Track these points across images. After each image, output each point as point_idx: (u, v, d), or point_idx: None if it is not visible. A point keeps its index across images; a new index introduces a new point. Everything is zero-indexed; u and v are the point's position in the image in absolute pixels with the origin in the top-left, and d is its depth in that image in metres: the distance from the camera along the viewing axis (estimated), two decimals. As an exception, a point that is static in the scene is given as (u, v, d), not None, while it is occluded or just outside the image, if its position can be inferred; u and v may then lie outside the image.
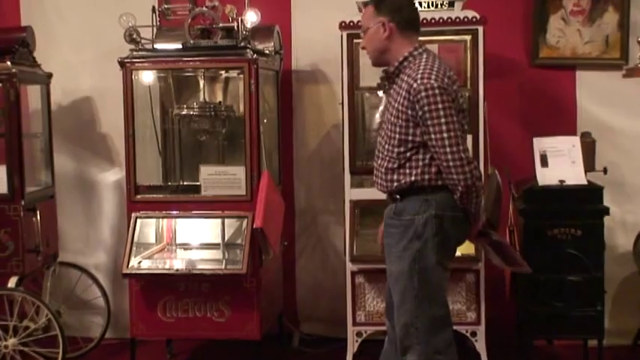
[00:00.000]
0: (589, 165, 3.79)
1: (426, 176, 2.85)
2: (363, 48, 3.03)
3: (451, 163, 2.77)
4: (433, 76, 2.78)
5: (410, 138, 2.84)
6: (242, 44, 3.76)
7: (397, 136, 2.86)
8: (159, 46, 3.92)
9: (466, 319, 3.76)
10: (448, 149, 2.76)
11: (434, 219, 2.84)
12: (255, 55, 3.73)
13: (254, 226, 3.61)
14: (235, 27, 3.79)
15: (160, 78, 4.12)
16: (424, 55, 2.90)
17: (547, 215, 3.68)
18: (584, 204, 3.68)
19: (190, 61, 3.82)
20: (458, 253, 3.57)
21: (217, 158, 4.12)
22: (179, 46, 3.83)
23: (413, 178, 2.85)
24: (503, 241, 3.22)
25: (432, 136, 2.78)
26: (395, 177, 2.89)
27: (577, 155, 3.75)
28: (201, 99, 3.99)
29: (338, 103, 3.92)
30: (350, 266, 3.78)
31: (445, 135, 2.76)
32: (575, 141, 3.80)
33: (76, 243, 4.52)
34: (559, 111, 4.21)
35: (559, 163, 3.74)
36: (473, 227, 2.96)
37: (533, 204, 3.71)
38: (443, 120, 2.76)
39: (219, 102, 4.07)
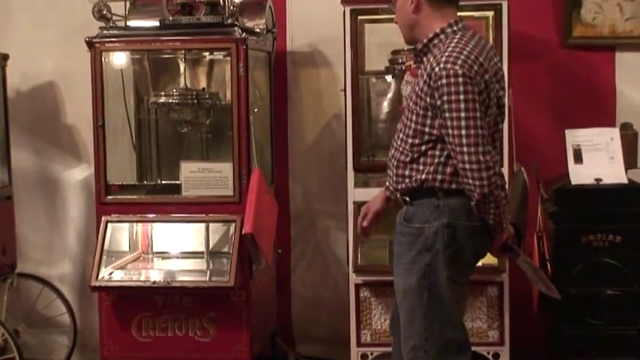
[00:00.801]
0: (630, 161, 3.80)
1: (439, 176, 2.83)
2: (396, 22, 2.99)
3: (467, 166, 2.73)
4: (460, 61, 2.72)
5: (427, 130, 2.82)
6: (229, 21, 3.76)
7: (413, 125, 2.84)
8: (133, 23, 3.92)
9: (487, 338, 3.78)
10: (465, 149, 2.72)
11: (446, 229, 2.82)
12: (244, 33, 3.73)
13: (243, 232, 3.62)
14: (221, 1, 3.79)
15: (134, 60, 4.12)
16: (458, 34, 2.84)
17: (581, 219, 3.69)
18: (624, 206, 3.69)
19: (169, 40, 3.82)
20: (478, 263, 3.60)
21: (200, 153, 4.13)
22: (156, 23, 3.83)
23: (424, 177, 2.83)
24: (530, 260, 3.21)
25: (450, 131, 2.74)
26: (406, 172, 2.87)
27: (616, 150, 3.75)
28: (182, 85, 3.99)
29: (340, 89, 3.92)
30: (353, 278, 3.79)
31: (464, 132, 2.72)
32: (613, 133, 3.81)
33: (37, 251, 4.53)
34: (595, 98, 4.22)
35: (595, 158, 3.75)
36: (495, 240, 2.93)
37: (565, 206, 3.72)
38: (463, 114, 2.71)
39: (203, 88, 4.07)
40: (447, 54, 2.76)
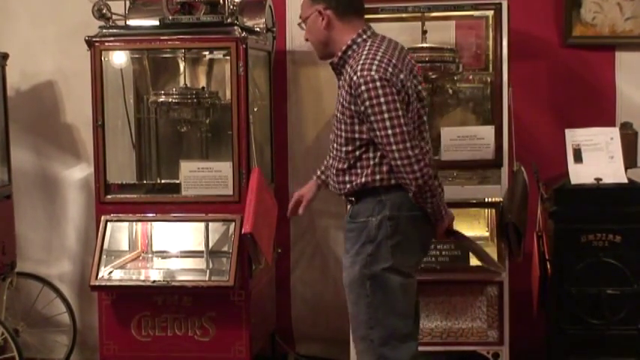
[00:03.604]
0: (630, 161, 3.79)
1: (377, 176, 2.97)
2: (307, 40, 3.14)
3: (399, 162, 2.89)
4: (374, 67, 2.87)
5: (357, 136, 2.96)
6: (229, 20, 3.76)
7: (344, 134, 2.98)
8: (132, 22, 3.92)
9: (487, 338, 3.78)
10: (394, 147, 2.88)
11: (388, 220, 2.96)
12: (243, 33, 3.73)
13: (243, 231, 3.62)
14: (221, 0, 3.79)
15: (133, 60, 4.12)
16: (368, 42, 3.00)
17: (581, 219, 3.68)
18: (624, 206, 3.68)
19: (169, 39, 3.81)
20: (478, 263, 3.60)
21: (200, 152, 4.13)
22: (156, 22, 3.84)
23: (364, 180, 2.98)
24: (472, 240, 3.35)
25: (377, 132, 2.89)
26: (346, 178, 3.02)
27: (616, 149, 3.75)
28: (182, 84, 3.99)
29: (340, 88, 3.93)
30: (353, 277, 3.79)
31: (390, 132, 2.87)
32: (613, 133, 3.80)
33: (36, 250, 4.53)
34: (595, 98, 4.21)
35: (595, 158, 3.75)
36: (437, 227, 3.07)
37: (565, 206, 3.71)
38: (386, 115, 2.86)
39: (203, 87, 4.07)
40: (361, 62, 2.91)
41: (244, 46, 3.70)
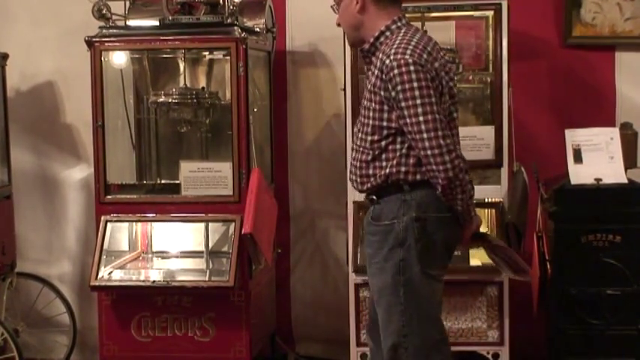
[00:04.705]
0: (630, 161, 3.79)
1: (403, 168, 2.85)
2: (339, 25, 3.06)
3: (429, 152, 2.77)
4: (409, 51, 2.78)
5: (385, 124, 2.85)
6: (229, 21, 3.76)
7: (371, 122, 2.88)
8: (132, 22, 3.92)
9: (487, 338, 3.78)
10: (425, 135, 2.76)
11: (415, 222, 2.84)
12: (243, 33, 3.74)
13: (243, 232, 3.62)
14: (221, 0, 3.80)
15: (133, 60, 4.12)
16: (403, 29, 2.90)
17: (581, 219, 3.68)
18: (624, 206, 3.68)
19: (169, 40, 3.82)
20: (478, 263, 3.61)
21: (200, 153, 4.13)
22: (156, 22, 3.84)
23: (387, 171, 2.86)
24: (504, 245, 3.24)
25: (407, 120, 2.78)
26: (370, 171, 2.90)
27: (616, 150, 3.75)
28: (182, 84, 3.99)
29: (340, 88, 3.93)
30: (353, 278, 3.79)
31: (421, 118, 2.75)
32: (613, 133, 3.80)
33: (36, 251, 4.53)
34: (595, 98, 4.21)
35: (595, 158, 3.75)
36: (465, 230, 2.95)
37: (565, 206, 3.72)
38: (419, 101, 2.75)
39: (203, 88, 4.07)
40: (395, 46, 2.81)
41: (244, 46, 3.70)
